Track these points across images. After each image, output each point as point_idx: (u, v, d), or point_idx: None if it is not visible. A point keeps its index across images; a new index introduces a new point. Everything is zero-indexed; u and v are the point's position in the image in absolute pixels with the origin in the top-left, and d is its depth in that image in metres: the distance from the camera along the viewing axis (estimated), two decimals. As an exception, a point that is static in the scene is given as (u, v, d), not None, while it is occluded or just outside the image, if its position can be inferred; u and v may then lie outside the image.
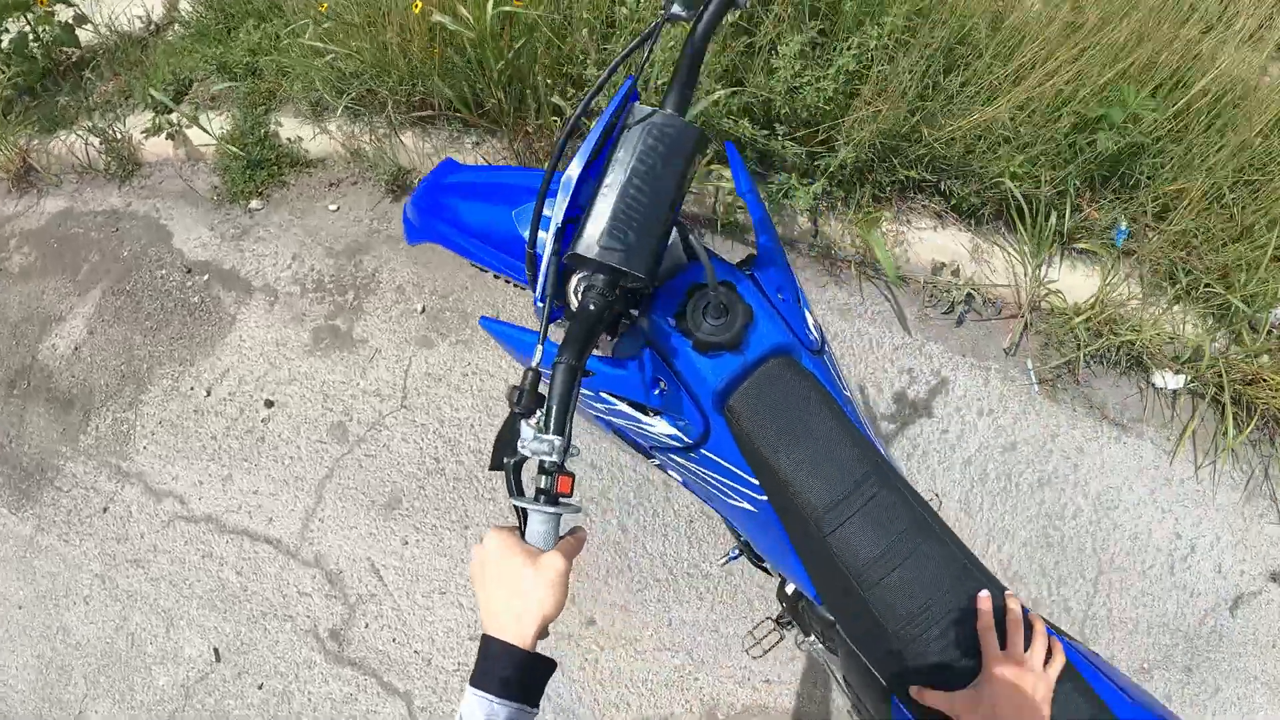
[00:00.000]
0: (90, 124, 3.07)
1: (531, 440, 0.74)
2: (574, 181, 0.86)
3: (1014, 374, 2.25)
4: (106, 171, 3.12)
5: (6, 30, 3.11)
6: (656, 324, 0.97)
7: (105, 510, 2.56)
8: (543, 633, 0.76)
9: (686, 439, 1.01)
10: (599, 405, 1.07)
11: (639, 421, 1.04)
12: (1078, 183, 2.24)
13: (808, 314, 1.06)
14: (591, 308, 0.82)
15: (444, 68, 2.43)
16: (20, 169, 3.16)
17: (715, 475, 1.05)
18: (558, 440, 0.73)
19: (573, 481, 0.76)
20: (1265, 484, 2.21)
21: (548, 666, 0.76)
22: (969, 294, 2.29)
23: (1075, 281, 2.28)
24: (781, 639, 1.90)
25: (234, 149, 2.88)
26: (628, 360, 0.99)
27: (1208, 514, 2.17)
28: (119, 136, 3.03)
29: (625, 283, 0.85)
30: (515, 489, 0.78)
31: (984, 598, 0.94)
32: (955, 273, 2.32)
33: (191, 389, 2.63)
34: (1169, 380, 2.22)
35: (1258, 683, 2.08)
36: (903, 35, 2.07)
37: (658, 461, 1.18)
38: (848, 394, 1.09)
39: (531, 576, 0.74)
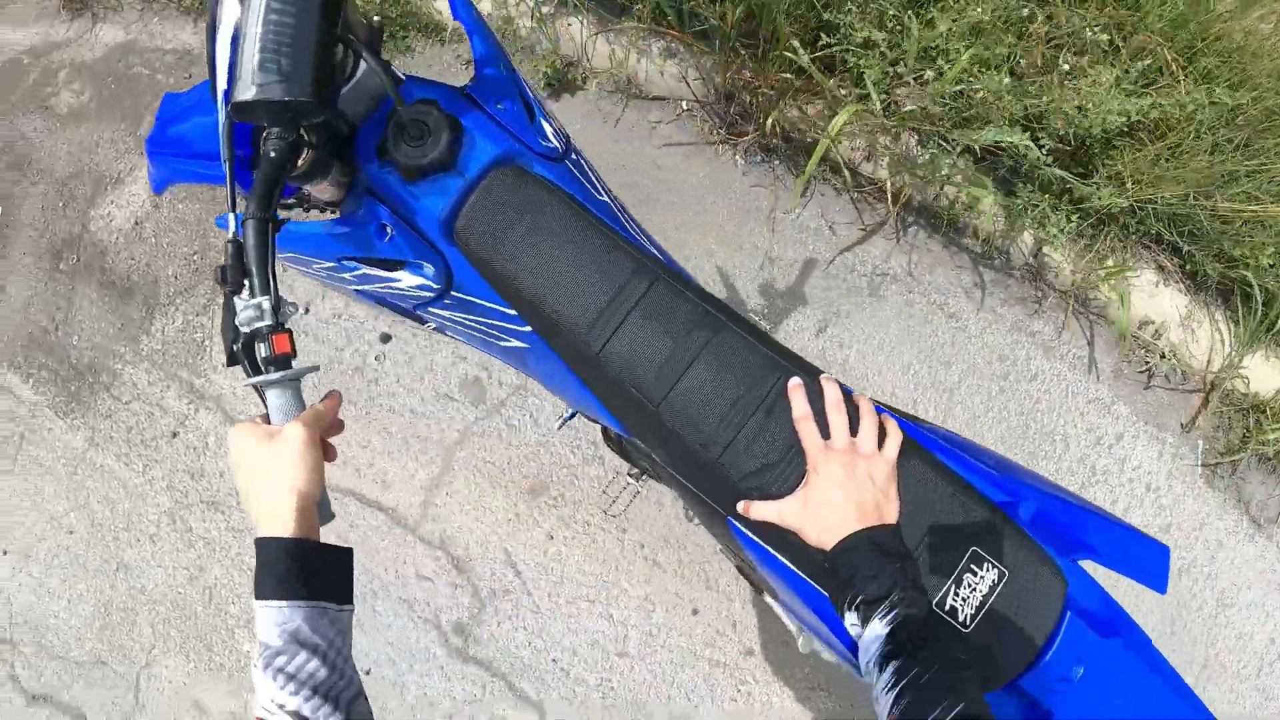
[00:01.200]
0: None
1: (242, 310, 0.70)
2: (229, 39, 0.76)
3: (1184, 451, 2.07)
4: (179, 1, 2.45)
5: None
6: (363, 164, 0.90)
7: (175, 435, 2.11)
8: (311, 514, 0.65)
9: (434, 285, 0.94)
10: (348, 276, 1.00)
11: (389, 282, 0.97)
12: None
13: (545, 123, 0.96)
14: (272, 154, 0.76)
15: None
16: (75, -13, 2.47)
17: (475, 317, 0.98)
18: (265, 301, 0.70)
19: (290, 338, 0.71)
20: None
21: (335, 554, 0.66)
22: (1162, 356, 2.11)
23: (1266, 372, 2.09)
24: (638, 493, 1.84)
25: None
26: (351, 216, 0.92)
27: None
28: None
29: (301, 117, 0.77)
30: (249, 372, 0.73)
31: (794, 385, 0.84)
32: (1158, 334, 2.08)
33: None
34: None
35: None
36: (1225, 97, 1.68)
37: (433, 324, 1.10)
38: (605, 199, 0.99)
39: (272, 457, 0.66)
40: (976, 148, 1.85)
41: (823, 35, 1.84)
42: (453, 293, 0.95)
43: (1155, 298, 2.06)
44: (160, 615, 2.07)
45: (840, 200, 2.10)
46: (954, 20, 1.72)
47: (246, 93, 0.73)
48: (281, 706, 0.57)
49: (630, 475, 1.65)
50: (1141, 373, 2.11)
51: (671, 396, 0.85)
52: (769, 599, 1.43)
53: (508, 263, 0.88)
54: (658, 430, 0.88)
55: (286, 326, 0.71)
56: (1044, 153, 1.79)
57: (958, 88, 1.77)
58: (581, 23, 2.14)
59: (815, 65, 1.81)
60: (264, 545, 0.63)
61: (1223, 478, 2.09)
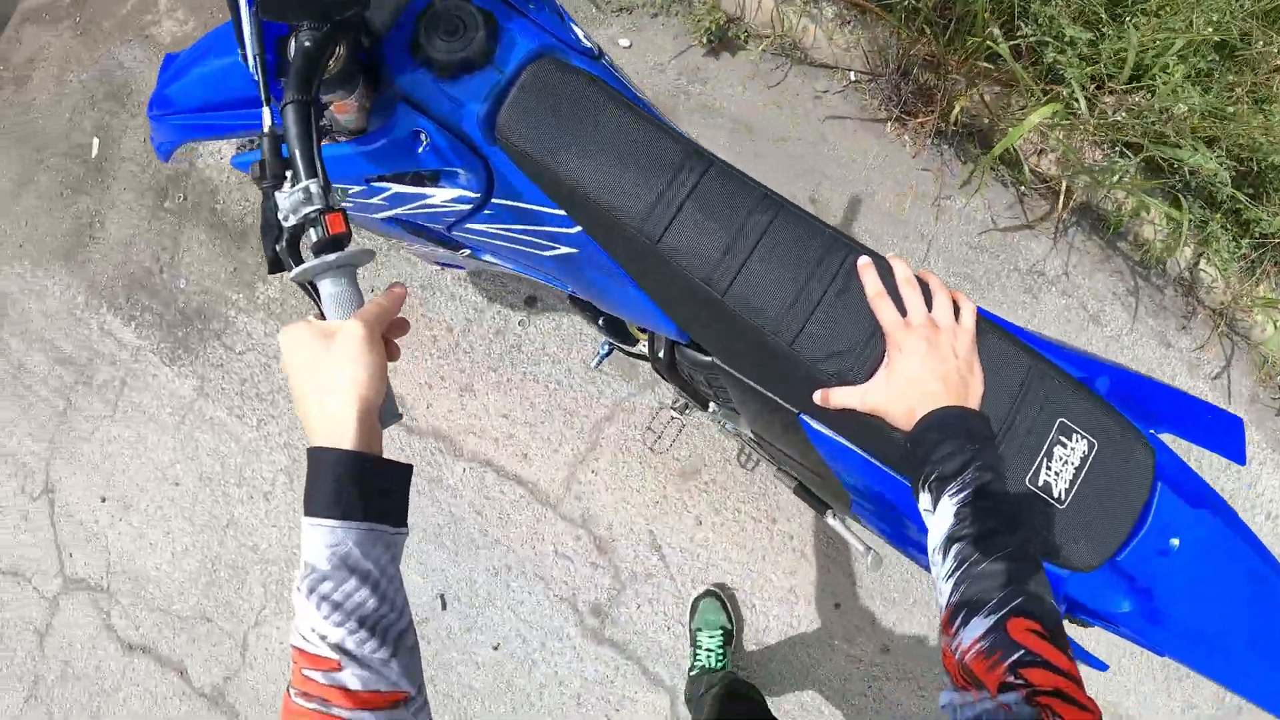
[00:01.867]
0: None
1: (286, 200, 0.63)
2: None
3: None
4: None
5: None
6: (394, 69, 0.83)
7: (295, 391, 1.99)
8: (372, 423, 0.56)
9: (473, 194, 0.89)
10: (376, 200, 0.96)
11: (422, 199, 0.92)
12: None
13: (575, 28, 0.92)
14: (307, 43, 0.70)
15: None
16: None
17: (520, 226, 0.92)
18: (312, 184, 0.63)
19: (344, 217, 0.64)
20: None
21: (395, 471, 0.57)
22: None
23: None
24: (683, 426, 1.80)
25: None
26: (380, 129, 0.86)
27: None
28: None
29: (335, 9, 0.71)
30: (292, 266, 0.65)
31: (864, 264, 0.79)
32: None
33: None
34: None
35: None
36: None
37: (467, 248, 1.06)
38: (643, 99, 0.95)
39: (329, 358, 0.57)
40: (1158, 158, 1.74)
41: (1020, 24, 1.70)
42: (493, 200, 0.90)
43: None
44: (273, 575, 1.99)
45: (1006, 193, 1.98)
46: (1168, 33, 1.58)
47: None
48: (324, 637, 0.50)
49: (674, 409, 1.59)
50: (1276, 399, 2.04)
51: (736, 284, 0.80)
52: (831, 520, 1.38)
53: (554, 157, 0.82)
54: (722, 324, 0.83)
55: (340, 206, 0.65)
56: (1225, 169, 1.68)
57: (1159, 105, 1.64)
58: None
59: (1016, 56, 1.68)
60: (318, 457, 0.54)
61: None
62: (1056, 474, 0.78)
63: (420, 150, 0.86)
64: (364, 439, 0.55)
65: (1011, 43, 1.70)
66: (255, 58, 0.72)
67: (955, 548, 0.62)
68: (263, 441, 2.00)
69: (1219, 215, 1.83)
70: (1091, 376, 0.85)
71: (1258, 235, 1.82)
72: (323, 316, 0.64)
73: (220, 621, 2.04)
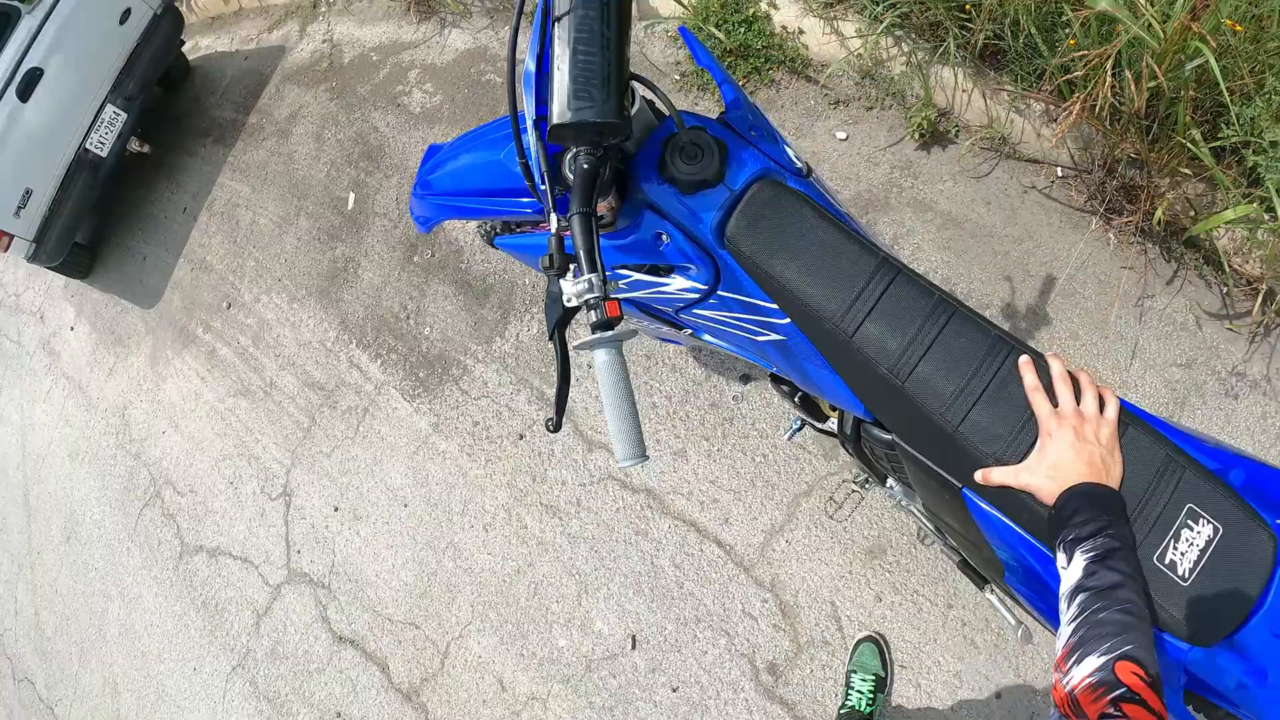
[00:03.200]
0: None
1: (572, 287, 0.81)
2: (533, 76, 0.93)
3: None
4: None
5: None
6: (643, 182, 1.02)
7: (521, 438, 2.28)
8: None
9: (702, 286, 1.07)
10: (620, 285, 1.14)
11: (658, 286, 1.11)
12: None
13: (788, 149, 1.10)
14: (585, 166, 0.88)
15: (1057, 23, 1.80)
16: (420, -6, 2.65)
17: (738, 315, 1.09)
18: (594, 277, 0.81)
19: (619, 305, 0.82)
20: None
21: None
22: None
23: None
24: (862, 499, 1.97)
25: (712, 29, 2.29)
26: (628, 229, 1.05)
27: None
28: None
29: (605, 138, 0.89)
30: (564, 326, 0.86)
31: (1025, 362, 0.93)
32: None
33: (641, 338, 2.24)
34: None
35: None
36: None
37: (690, 328, 1.23)
38: (845, 211, 1.13)
39: None
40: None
41: (1221, 125, 1.80)
42: (719, 292, 1.07)
43: None
44: (483, 598, 2.26)
45: (1209, 294, 2.06)
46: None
47: (563, 118, 0.85)
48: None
49: (855, 482, 1.75)
50: None
51: (915, 374, 0.96)
52: (989, 595, 1.52)
53: (771, 261, 1.00)
54: (902, 406, 0.98)
55: (613, 296, 0.83)
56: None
57: None
58: (956, 74, 2.14)
59: (1210, 154, 1.78)
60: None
61: None
62: (1182, 554, 0.87)
63: (661, 248, 1.06)
64: None
65: (1213, 144, 1.80)
66: (543, 174, 0.92)
67: (1080, 597, 0.74)
68: (488, 479, 2.29)
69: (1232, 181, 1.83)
70: (1226, 468, 0.93)
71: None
72: (564, 382, 0.88)
73: (427, 630, 2.31)
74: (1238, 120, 1.80)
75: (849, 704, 1.89)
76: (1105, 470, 0.86)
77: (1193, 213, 2.00)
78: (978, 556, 1.27)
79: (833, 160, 2.26)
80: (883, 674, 1.92)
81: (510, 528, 2.25)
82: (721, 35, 2.32)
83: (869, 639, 1.97)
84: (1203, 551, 0.87)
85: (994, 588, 1.53)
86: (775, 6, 2.35)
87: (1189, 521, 0.88)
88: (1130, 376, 2.05)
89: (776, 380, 1.51)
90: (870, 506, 2.03)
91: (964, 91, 2.16)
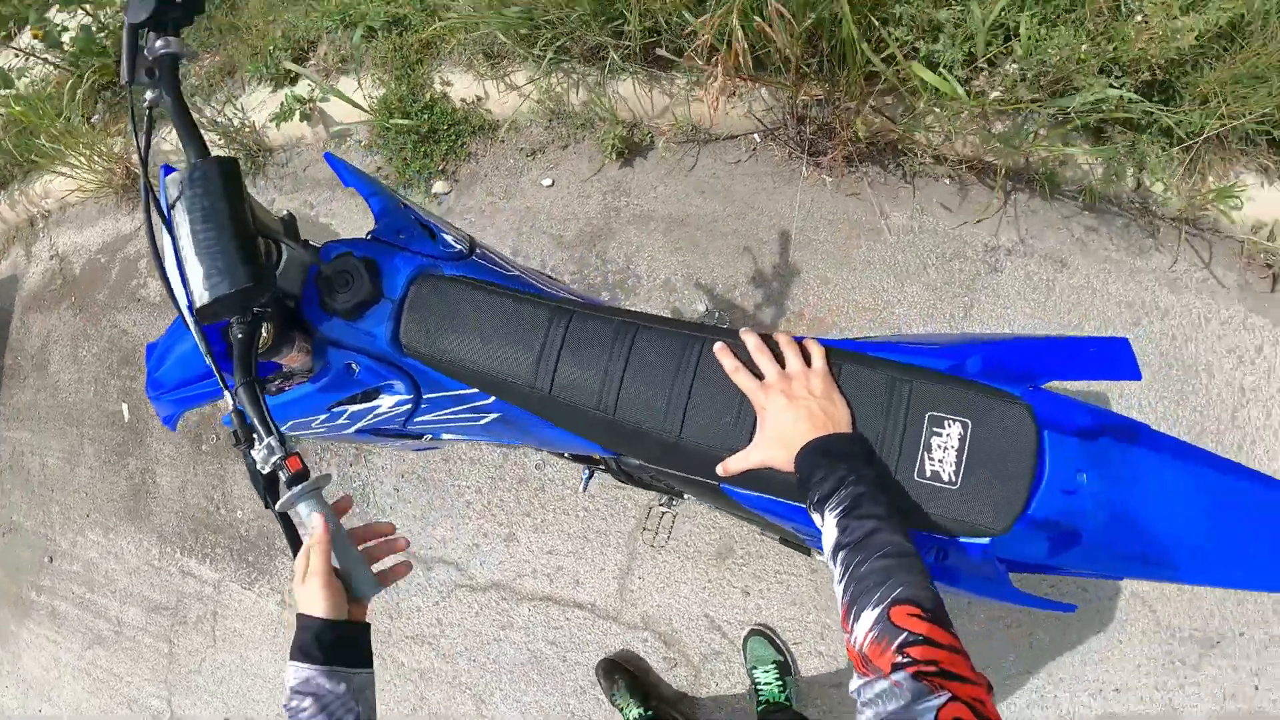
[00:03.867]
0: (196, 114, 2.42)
1: (257, 454, 0.83)
2: (176, 266, 0.92)
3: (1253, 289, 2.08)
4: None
5: (65, 29, 2.39)
6: (316, 323, 1.03)
7: (364, 581, 2.21)
8: (337, 598, 0.81)
9: (407, 397, 1.07)
10: (343, 420, 1.14)
11: (373, 410, 1.11)
12: None
13: (445, 235, 1.11)
14: (239, 335, 0.91)
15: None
16: (125, 179, 2.53)
17: (452, 410, 1.10)
18: (271, 439, 0.83)
19: (300, 458, 0.84)
20: None
21: (354, 630, 0.82)
22: None
23: None
24: (675, 516, 1.99)
25: (400, 120, 2.26)
26: (324, 370, 1.05)
27: None
28: (238, 124, 2.39)
29: (250, 302, 0.91)
30: (277, 498, 0.86)
31: (719, 348, 0.94)
32: (1272, 235, 2.07)
33: (434, 434, 2.21)
34: None
35: None
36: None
37: (426, 434, 1.23)
38: (515, 272, 1.16)
39: (302, 596, 0.82)
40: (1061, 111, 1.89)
41: (888, 32, 1.83)
42: (425, 397, 1.08)
43: (1262, 199, 2.05)
44: (394, 749, 2.20)
45: (940, 189, 2.14)
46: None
47: (204, 298, 0.87)
48: None
49: (660, 504, 1.75)
50: (1265, 278, 2.12)
51: (622, 401, 0.97)
52: (819, 558, 1.54)
53: (452, 349, 1.02)
54: (626, 435, 0.99)
55: (295, 451, 0.85)
56: (1127, 89, 1.79)
57: (1036, 59, 1.78)
58: (631, 84, 2.17)
59: (888, 64, 1.84)
60: (300, 619, 0.80)
61: None
62: (940, 461, 0.87)
63: (356, 376, 1.06)
64: (331, 611, 0.80)
65: (885, 55, 1.82)
66: (207, 355, 0.92)
67: (841, 555, 0.74)
68: (349, 633, 2.22)
69: (1144, 135, 1.94)
70: (960, 361, 0.93)
71: (1186, 136, 1.92)
72: (296, 543, 0.88)
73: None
74: (900, 21, 1.84)
75: (762, 698, 1.91)
76: (829, 419, 0.85)
77: (892, 125, 2.07)
78: (779, 532, 1.28)
79: (547, 208, 2.26)
80: (781, 658, 1.95)
81: (389, 671, 2.19)
82: (409, 122, 2.29)
83: (754, 632, 1.99)
84: (959, 451, 0.87)
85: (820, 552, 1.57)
86: (449, 83, 2.33)
87: (934, 429, 0.88)
88: (892, 296, 2.11)
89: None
90: (692, 516, 2.05)
91: (644, 97, 2.19)
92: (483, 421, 1.12)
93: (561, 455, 1.53)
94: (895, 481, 0.86)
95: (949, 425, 0.88)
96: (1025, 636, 2.01)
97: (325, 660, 0.77)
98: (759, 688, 1.92)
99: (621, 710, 1.93)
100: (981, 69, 1.90)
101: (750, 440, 0.90)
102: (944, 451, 0.88)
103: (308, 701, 0.76)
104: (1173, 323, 2.09)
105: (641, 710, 1.91)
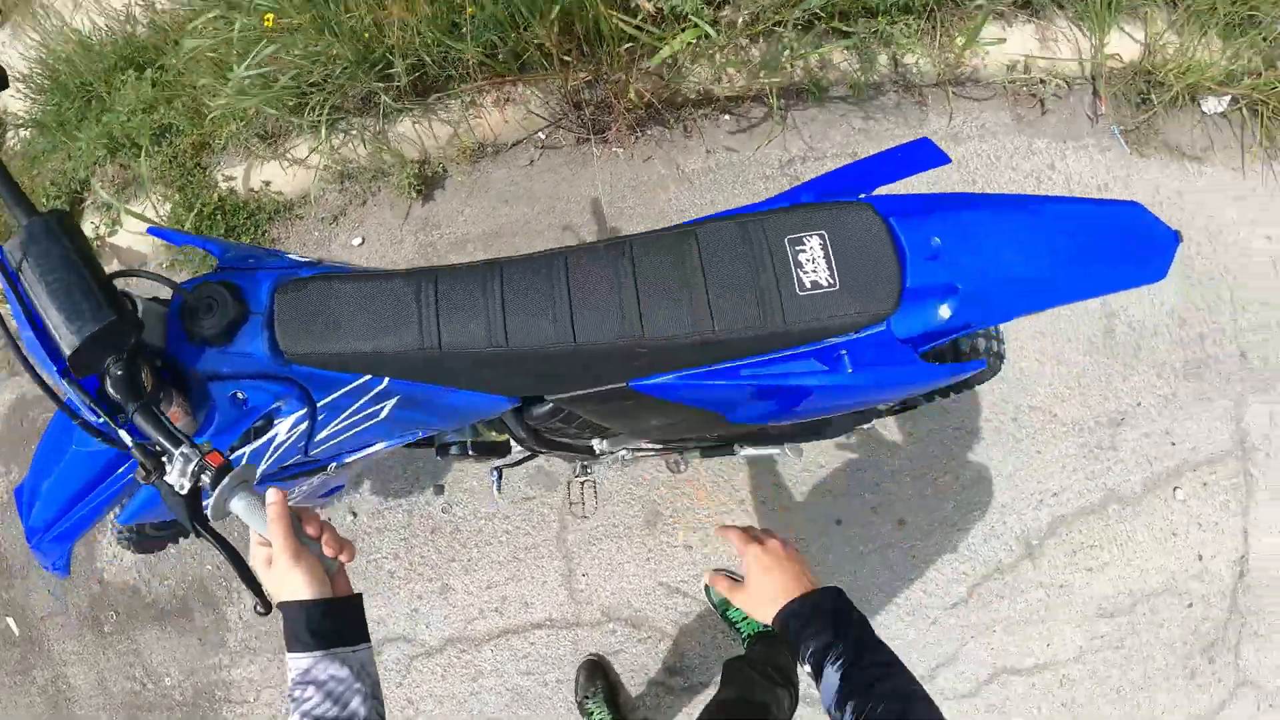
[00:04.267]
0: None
1: (176, 472, 0.79)
2: (33, 337, 0.89)
3: (1107, 143, 2.28)
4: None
5: None
6: (190, 363, 1.00)
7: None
8: (319, 575, 0.78)
9: (301, 410, 1.03)
10: (254, 463, 1.09)
11: (271, 443, 1.05)
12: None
13: (291, 255, 1.12)
14: (119, 371, 0.87)
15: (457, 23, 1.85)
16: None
17: (349, 410, 1.06)
18: (184, 448, 0.79)
19: (219, 452, 0.80)
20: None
21: (347, 604, 0.79)
22: (1041, 80, 2.29)
23: (1126, 43, 2.32)
24: (594, 482, 1.99)
25: (190, 222, 2.17)
26: (209, 412, 1.02)
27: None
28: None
29: (121, 339, 0.88)
30: (207, 513, 0.82)
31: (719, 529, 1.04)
32: (1028, 68, 2.28)
33: (339, 516, 2.11)
34: (1214, 105, 2.38)
35: None
36: None
37: (330, 461, 1.21)
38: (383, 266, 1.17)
39: (278, 577, 0.79)
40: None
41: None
42: (320, 404, 1.05)
43: (1010, 42, 2.24)
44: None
45: (721, 125, 2.20)
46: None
47: (72, 344, 0.83)
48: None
49: (577, 476, 1.78)
50: (1034, 107, 2.29)
51: (511, 331, 0.98)
52: (742, 452, 1.58)
53: (334, 343, 1.00)
54: (527, 366, 1.01)
55: (212, 447, 0.82)
56: None
57: None
58: (412, 122, 2.16)
59: (640, 29, 1.89)
60: (284, 608, 0.77)
61: (1148, 142, 2.32)
62: (814, 270, 0.95)
63: (245, 405, 1.01)
64: (315, 590, 0.76)
65: (638, 20, 1.89)
66: (88, 407, 0.87)
67: (851, 704, 0.77)
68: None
69: (882, 18, 2.08)
70: (795, 197, 1.03)
71: (921, 8, 2.10)
72: (235, 558, 0.82)
73: None
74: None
75: (744, 633, 1.88)
76: (811, 583, 0.89)
77: (660, 78, 2.12)
78: (700, 426, 1.27)
79: (365, 265, 2.21)
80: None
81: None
82: (205, 225, 2.19)
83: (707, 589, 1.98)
84: (826, 257, 0.96)
85: (740, 444, 1.55)
86: (232, 177, 2.24)
87: (797, 248, 0.97)
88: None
89: (443, 449, 1.45)
90: (609, 497, 2.03)
91: (426, 132, 2.17)
92: (384, 413, 1.09)
93: (466, 454, 1.47)
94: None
95: (808, 240, 0.97)
96: (953, 483, 2.07)
97: (322, 644, 0.74)
98: (737, 625, 1.91)
99: (590, 715, 1.88)
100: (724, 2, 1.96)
101: (641, 317, 0.96)
102: (813, 262, 0.96)
103: (310, 690, 0.72)
104: (969, 170, 2.22)
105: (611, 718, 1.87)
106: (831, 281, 0.95)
